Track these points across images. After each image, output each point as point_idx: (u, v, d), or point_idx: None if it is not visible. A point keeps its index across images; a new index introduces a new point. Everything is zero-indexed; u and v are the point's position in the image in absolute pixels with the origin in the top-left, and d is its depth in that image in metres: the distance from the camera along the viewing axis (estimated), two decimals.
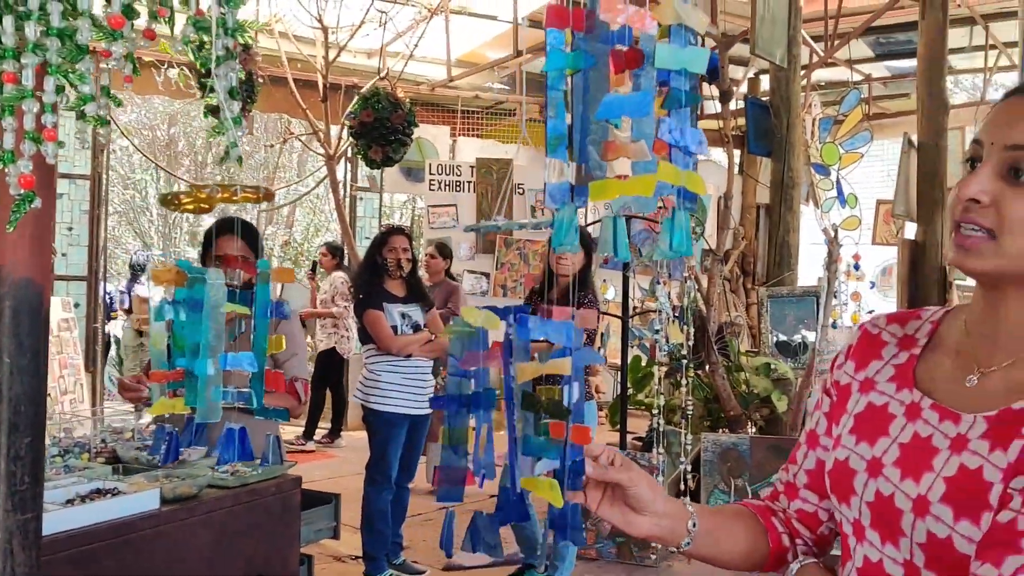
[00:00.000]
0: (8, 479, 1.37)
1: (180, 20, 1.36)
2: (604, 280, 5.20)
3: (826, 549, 1.26)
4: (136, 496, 2.08)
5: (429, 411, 4.71)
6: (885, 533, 1.07)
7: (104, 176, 8.07)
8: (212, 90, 1.40)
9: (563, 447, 1.40)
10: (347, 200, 9.25)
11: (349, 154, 8.85)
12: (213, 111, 3.48)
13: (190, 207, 2.10)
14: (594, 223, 6.34)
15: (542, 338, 1.41)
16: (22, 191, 1.24)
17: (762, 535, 1.25)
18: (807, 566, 1.20)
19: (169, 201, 1.97)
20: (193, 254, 16.08)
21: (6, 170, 1.24)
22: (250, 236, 2.93)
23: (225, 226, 2.95)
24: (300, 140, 10.20)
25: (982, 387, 1.07)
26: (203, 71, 4.18)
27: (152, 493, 2.11)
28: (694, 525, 1.20)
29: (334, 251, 8.32)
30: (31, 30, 1.22)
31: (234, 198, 1.75)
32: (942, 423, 1.06)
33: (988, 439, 1.01)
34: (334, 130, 7.94)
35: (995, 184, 1.01)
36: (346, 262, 8.44)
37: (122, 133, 9.15)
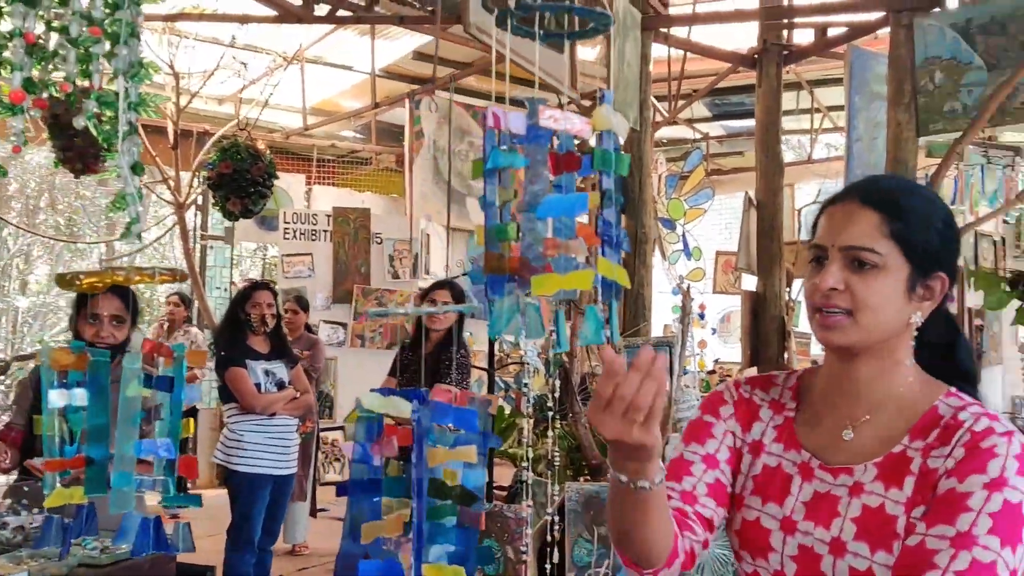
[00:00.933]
0: None
1: None
2: (470, 332, 5.26)
3: (704, 552, 1.38)
4: None
5: (294, 470, 4.61)
6: None
7: None
8: (108, 159, 1.36)
9: (467, 532, 1.44)
10: (196, 249, 8.96)
11: (199, 202, 8.59)
12: (73, 164, 3.32)
13: (85, 287, 2.02)
14: (462, 275, 6.40)
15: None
16: None
17: (672, 533, 1.31)
18: None
19: (68, 282, 1.89)
20: (25, 303, 15.05)
21: None
22: (125, 296, 2.81)
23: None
24: (147, 187, 9.84)
25: (860, 438, 1.30)
26: (56, 119, 3.99)
27: None
28: (663, 470, 1.23)
29: (186, 302, 7.97)
30: None
31: (151, 279, 1.70)
32: (837, 478, 1.28)
33: (882, 480, 1.24)
34: (184, 177, 7.69)
35: (844, 275, 1.26)
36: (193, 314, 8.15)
37: None
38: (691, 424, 1.44)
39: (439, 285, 4.53)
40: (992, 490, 1.15)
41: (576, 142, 1.16)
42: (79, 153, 4.74)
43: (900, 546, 1.19)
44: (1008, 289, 5.24)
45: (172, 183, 7.68)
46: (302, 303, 6.42)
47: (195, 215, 9.09)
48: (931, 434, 1.24)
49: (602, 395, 1.13)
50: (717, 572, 5.03)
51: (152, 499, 2.80)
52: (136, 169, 1.37)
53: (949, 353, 1.34)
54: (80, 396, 1.77)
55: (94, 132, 1.33)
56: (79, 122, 1.34)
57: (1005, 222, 9.06)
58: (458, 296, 4.45)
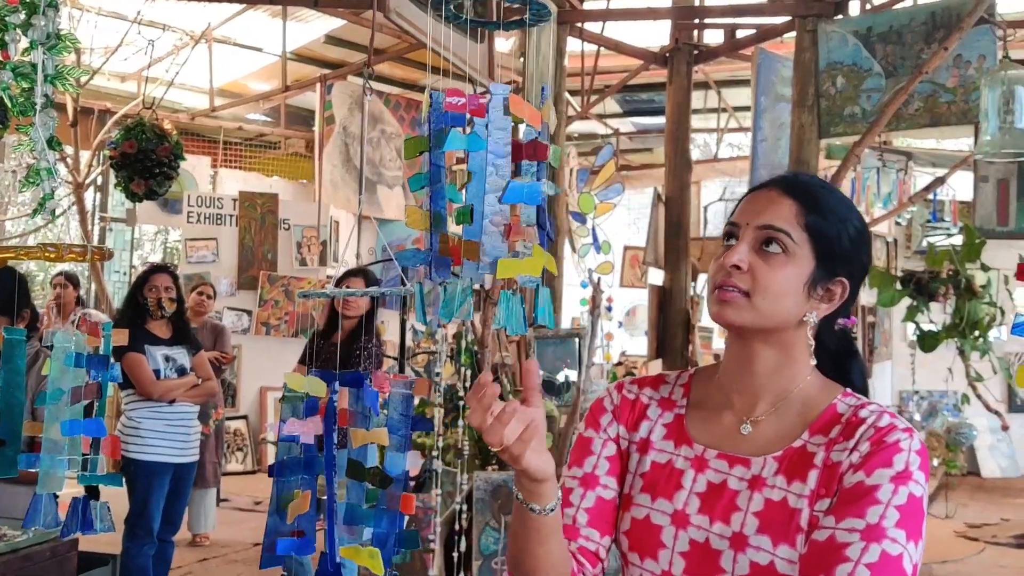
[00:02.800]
0: None
1: None
2: (382, 321, 5.23)
3: None
4: None
5: (195, 458, 4.51)
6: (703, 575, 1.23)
7: None
8: (27, 136, 1.31)
9: (386, 515, 1.45)
10: (95, 230, 8.65)
11: (99, 182, 8.29)
12: None
13: None
14: (375, 263, 6.35)
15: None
16: None
17: (569, 558, 1.29)
18: None
19: None
20: None
21: None
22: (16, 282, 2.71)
23: None
24: None
25: (758, 433, 1.28)
26: None
27: None
28: (559, 498, 1.21)
29: (74, 282, 7.50)
30: None
31: (64, 257, 1.63)
32: (733, 468, 1.26)
33: (784, 474, 1.23)
34: (84, 156, 7.41)
35: (751, 256, 1.26)
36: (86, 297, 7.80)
37: None
38: (575, 443, 1.39)
39: (353, 273, 4.48)
40: (898, 483, 1.17)
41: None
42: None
43: (804, 539, 1.18)
44: (900, 287, 5.51)
45: (71, 162, 7.39)
46: (212, 290, 6.30)
47: (95, 196, 8.76)
48: (832, 430, 1.25)
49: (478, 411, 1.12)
50: None
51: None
52: (52, 144, 1.32)
53: (843, 367, 1.35)
54: None
55: (8, 103, 1.28)
56: None
57: (897, 223, 9.49)
58: (372, 283, 4.42)
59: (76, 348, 1.69)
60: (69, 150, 7.35)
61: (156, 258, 13.19)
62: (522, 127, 1.19)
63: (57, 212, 1.43)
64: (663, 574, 1.25)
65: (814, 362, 1.31)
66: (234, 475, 8.16)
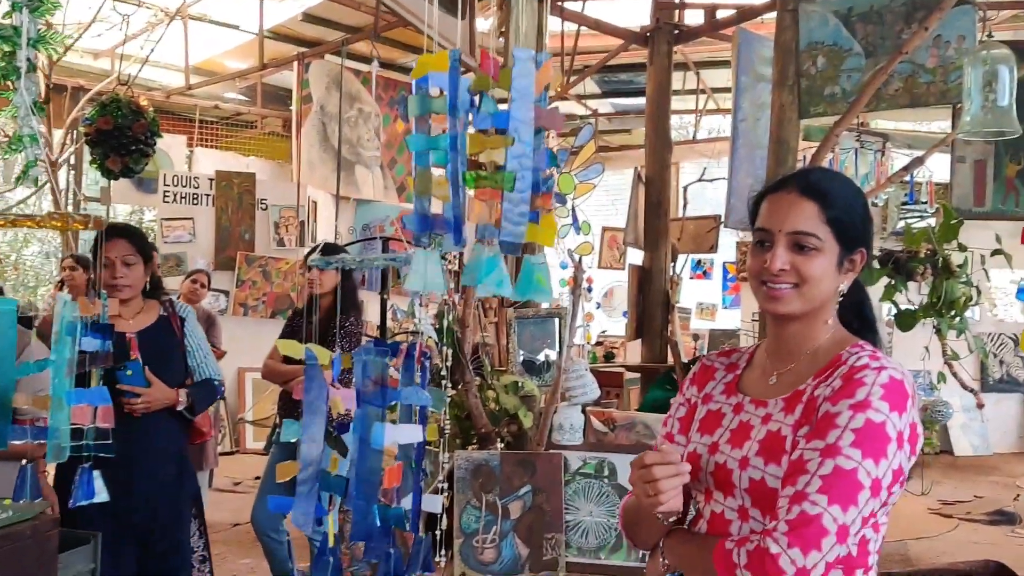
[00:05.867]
0: None
1: None
2: (363, 301, 5.19)
3: (680, 523, 1.66)
4: None
5: None
6: (724, 490, 1.54)
7: None
8: (6, 95, 1.28)
9: (362, 487, 1.44)
10: (69, 209, 8.52)
11: (72, 161, 8.18)
12: None
13: None
14: (354, 243, 6.31)
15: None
16: None
17: None
18: (673, 531, 1.60)
19: None
20: None
21: None
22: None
23: None
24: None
25: (780, 382, 1.59)
26: None
27: None
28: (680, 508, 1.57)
29: (84, 265, 7.04)
30: None
31: (70, 226, 1.60)
32: (757, 409, 1.58)
33: (784, 411, 1.52)
34: (57, 134, 7.30)
35: (789, 256, 1.52)
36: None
37: None
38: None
39: (325, 250, 4.43)
40: (856, 410, 1.41)
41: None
42: None
43: (787, 459, 1.45)
44: (878, 266, 5.53)
45: (44, 140, 7.28)
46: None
47: (68, 175, 8.64)
48: (826, 373, 1.51)
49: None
50: (600, 536, 5.17)
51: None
52: (36, 108, 1.29)
53: (859, 308, 1.63)
54: None
55: None
56: None
57: (874, 204, 9.54)
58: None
59: (75, 318, 1.68)
60: (42, 128, 7.24)
61: None
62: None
63: (25, 189, 1.40)
64: (705, 490, 1.58)
65: (831, 319, 1.57)
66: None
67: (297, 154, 8.55)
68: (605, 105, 11.55)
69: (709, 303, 12.38)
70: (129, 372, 2.84)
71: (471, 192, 1.24)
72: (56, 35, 1.39)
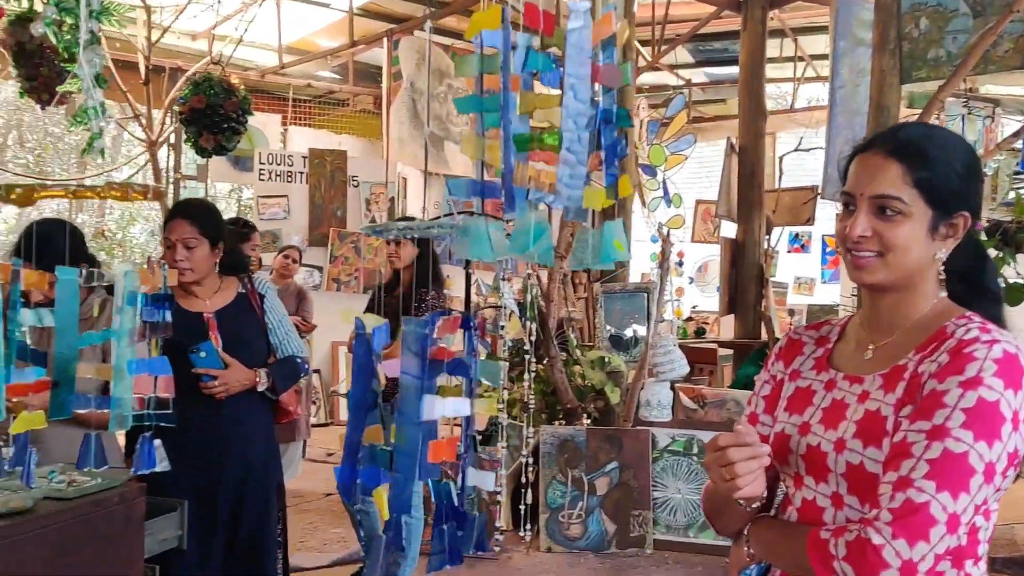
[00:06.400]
0: None
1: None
2: (447, 276, 5.21)
3: (767, 510, 1.56)
4: None
5: None
6: (817, 475, 1.43)
7: None
8: (75, 77, 1.29)
9: (404, 459, 1.41)
10: (169, 188, 8.80)
11: (172, 140, 8.42)
12: (39, 94, 3.18)
13: (13, 199, 1.95)
14: (441, 217, 6.32)
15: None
16: None
17: None
18: (759, 518, 1.50)
19: (20, 196, 1.82)
20: None
21: None
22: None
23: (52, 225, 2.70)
24: (118, 124, 9.62)
25: (876, 357, 1.46)
26: (20, 47, 3.85)
27: None
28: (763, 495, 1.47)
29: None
30: None
31: (127, 196, 1.63)
32: (852, 386, 1.46)
33: (883, 389, 1.40)
34: (157, 114, 7.52)
35: (871, 221, 1.41)
36: None
37: None
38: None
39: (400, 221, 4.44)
40: (967, 388, 1.28)
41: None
42: (45, 82, 4.61)
43: (888, 442, 1.34)
44: (985, 237, 5.26)
45: (144, 120, 7.51)
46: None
47: (168, 154, 8.91)
48: (930, 347, 1.39)
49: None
50: (688, 513, 5.08)
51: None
52: (99, 81, 1.29)
53: (976, 277, 1.49)
54: (48, 316, 1.73)
55: (53, 40, 1.26)
56: (37, 28, 1.26)
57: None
58: (420, 239, 4.34)
59: (136, 289, 1.71)
60: (142, 108, 7.47)
61: (231, 215, 13.38)
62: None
63: (128, 168, 1.43)
64: (795, 475, 1.47)
65: (943, 293, 1.46)
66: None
67: (387, 131, 8.61)
68: (699, 75, 11.27)
69: (807, 277, 12.03)
70: (203, 354, 2.77)
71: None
72: (119, 7, 1.40)
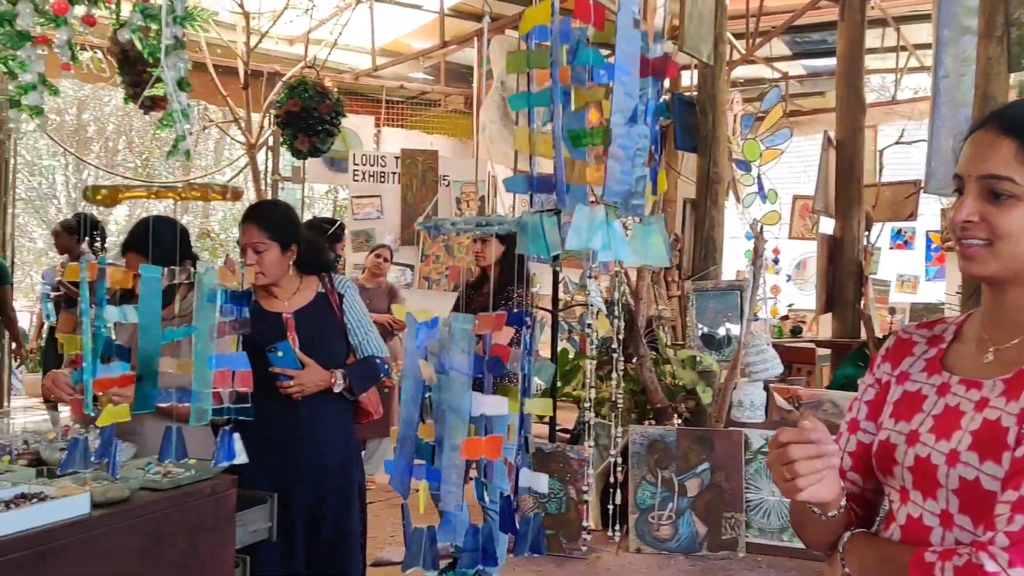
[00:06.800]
0: None
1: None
2: (534, 273, 5.20)
3: (869, 525, 1.43)
4: (65, 501, 1.99)
5: None
6: (925, 490, 1.28)
7: (11, 162, 7.72)
8: (159, 80, 1.34)
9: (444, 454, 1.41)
10: (268, 190, 9.06)
11: (270, 143, 8.67)
12: (142, 100, 3.33)
13: (99, 200, 2.04)
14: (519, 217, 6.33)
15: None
16: None
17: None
18: (856, 534, 1.36)
19: (91, 196, 1.90)
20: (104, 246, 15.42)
21: None
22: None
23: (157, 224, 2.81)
24: (219, 127, 9.97)
25: (998, 360, 1.31)
26: (124, 54, 4.02)
27: (82, 497, 2.02)
28: (843, 502, 1.32)
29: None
30: None
31: (202, 196, 1.69)
32: (968, 392, 1.30)
33: (1004, 396, 1.25)
34: (255, 118, 7.75)
35: (979, 205, 1.26)
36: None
37: (43, 131, 8.77)
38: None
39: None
40: None
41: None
42: (147, 88, 4.80)
43: (1009, 456, 1.19)
44: None
45: (243, 124, 7.74)
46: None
47: (267, 155, 9.17)
48: None
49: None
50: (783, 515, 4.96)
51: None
52: (182, 85, 1.33)
53: None
54: (132, 313, 1.80)
55: (139, 46, 1.30)
56: (123, 35, 1.31)
57: None
58: (506, 238, 4.31)
59: (215, 286, 1.77)
60: (241, 112, 7.71)
61: (327, 215, 13.68)
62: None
63: (230, 170, 1.48)
64: (901, 489, 1.33)
65: None
66: None
67: (477, 130, 8.66)
68: (796, 67, 10.98)
69: (910, 275, 11.60)
70: (280, 353, 2.78)
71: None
72: (202, 12, 1.45)
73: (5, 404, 6.94)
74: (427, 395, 1.42)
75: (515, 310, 4.19)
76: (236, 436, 2.11)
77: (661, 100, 1.01)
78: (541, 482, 1.53)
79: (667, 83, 9.38)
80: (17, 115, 1.25)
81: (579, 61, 1.09)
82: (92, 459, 2.01)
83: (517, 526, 1.52)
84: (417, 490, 1.52)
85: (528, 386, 1.47)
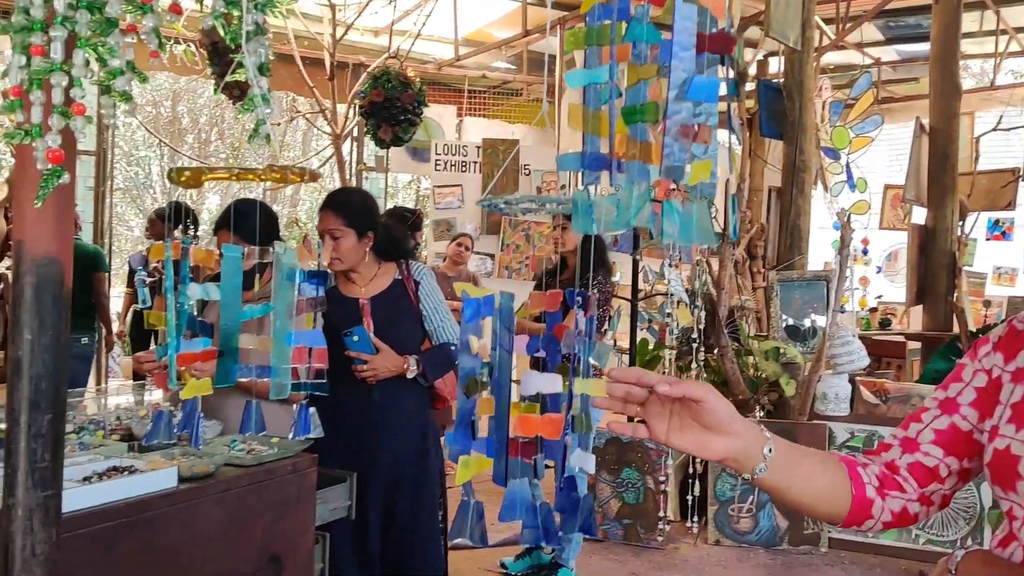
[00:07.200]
0: (28, 456, 1.36)
1: None
2: (614, 262, 5.18)
3: (928, 509, 1.28)
4: (154, 474, 2.07)
5: None
6: None
7: (109, 153, 8.02)
8: (240, 66, 1.37)
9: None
10: (353, 179, 9.21)
11: (355, 133, 8.81)
12: (231, 91, 3.44)
13: (182, 182, 2.11)
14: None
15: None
16: (50, 166, 1.22)
17: (843, 481, 1.24)
18: (973, 552, 1.21)
19: (174, 178, 1.98)
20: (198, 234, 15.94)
21: (33, 144, 1.22)
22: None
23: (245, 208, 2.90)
24: (306, 118, 10.17)
25: None
26: (215, 46, 4.16)
27: (170, 471, 2.10)
28: (770, 451, 1.16)
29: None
30: (59, 2, 1.20)
31: (281, 179, 1.75)
32: None
33: None
34: (341, 108, 7.89)
35: None
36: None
37: (133, 116, 9.11)
38: (953, 370, 1.34)
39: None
40: None
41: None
42: (239, 84, 4.93)
43: None
44: None
45: (329, 114, 7.89)
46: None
47: (352, 145, 9.32)
48: None
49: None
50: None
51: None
52: (262, 70, 1.37)
53: None
54: (214, 290, 1.88)
55: (221, 33, 1.34)
56: (207, 22, 1.35)
57: None
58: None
59: (293, 266, 1.83)
60: (327, 103, 7.85)
61: (409, 206, 13.84)
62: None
63: (317, 160, 1.53)
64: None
65: None
66: None
67: (559, 119, 8.64)
68: (888, 52, 10.64)
69: (1008, 267, 11.15)
70: (356, 338, 2.82)
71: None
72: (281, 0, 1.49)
73: (102, 385, 7.24)
74: (481, 371, 1.43)
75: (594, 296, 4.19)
76: (312, 411, 2.17)
77: (731, 78, 0.99)
78: (589, 463, 1.52)
79: (754, 69, 9.22)
80: (109, 102, 1.30)
81: (632, 37, 1.08)
82: (175, 431, 2.09)
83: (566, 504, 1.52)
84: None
85: (578, 366, 1.46)
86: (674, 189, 1.08)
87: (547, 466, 1.58)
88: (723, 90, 1.06)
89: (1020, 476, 1.15)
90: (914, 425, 1.30)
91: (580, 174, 1.11)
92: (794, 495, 1.21)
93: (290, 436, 2.19)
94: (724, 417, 1.12)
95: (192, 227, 5.46)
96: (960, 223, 6.58)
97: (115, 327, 7.27)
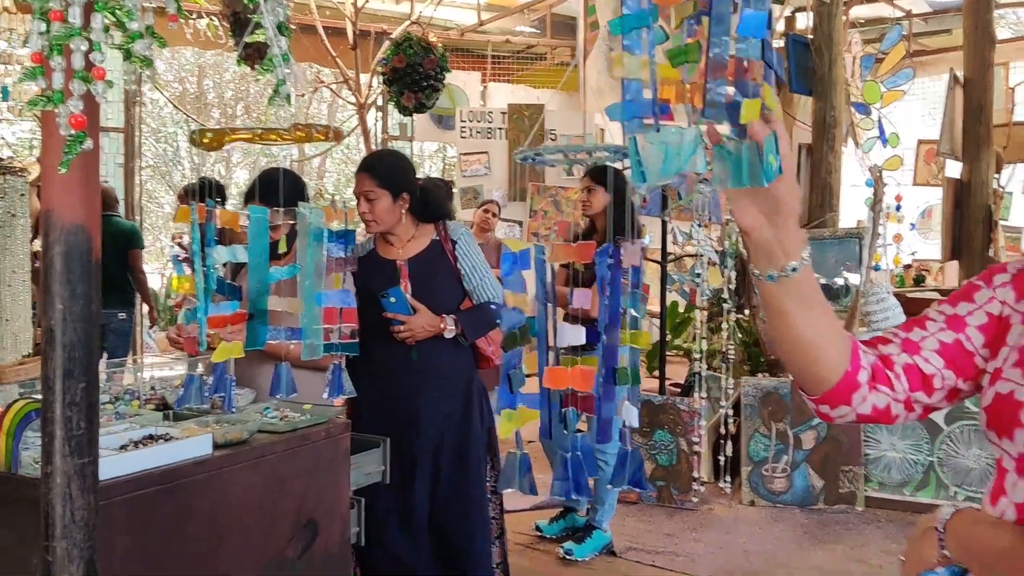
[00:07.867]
0: (64, 424, 1.37)
1: None
2: (643, 224, 5.12)
3: (908, 415, 1.22)
4: (189, 441, 2.09)
5: None
6: None
7: (137, 129, 8.06)
8: (258, 26, 1.36)
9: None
10: (378, 148, 9.21)
11: (379, 102, 8.78)
12: (251, 56, 3.44)
13: (205, 144, 2.11)
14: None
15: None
16: (73, 132, 1.21)
17: (845, 348, 1.17)
18: (961, 511, 1.14)
19: (196, 140, 1.97)
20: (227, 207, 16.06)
21: (56, 110, 1.22)
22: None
23: (273, 175, 2.91)
24: (330, 89, 10.15)
25: None
26: (236, 16, 4.16)
27: (204, 438, 2.12)
28: (809, 255, 1.09)
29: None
30: None
31: (305, 138, 1.74)
32: None
33: None
34: (364, 78, 7.86)
35: None
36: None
37: (154, 85, 9.14)
38: (960, 288, 1.26)
39: (589, 171, 4.37)
40: None
41: None
42: (258, 49, 4.93)
43: None
44: None
45: (352, 84, 7.87)
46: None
47: (376, 115, 9.30)
48: None
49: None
50: None
51: None
52: (281, 29, 1.35)
53: None
54: (241, 252, 1.88)
55: None
56: None
57: None
58: (597, 177, 4.25)
59: (320, 225, 1.83)
60: (350, 73, 7.83)
61: (436, 174, 13.83)
62: None
63: (297, 107, 1.53)
64: (1019, 456, 1.10)
65: None
66: None
67: (584, 82, 8.57)
68: (920, 4, 10.41)
69: None
70: (392, 299, 2.83)
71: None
72: None
73: (139, 359, 7.34)
74: (524, 325, 1.42)
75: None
76: (345, 372, 2.17)
77: (767, 15, 0.95)
78: (633, 416, 1.51)
79: (782, 25, 9.05)
80: (131, 68, 1.28)
81: None
82: (206, 395, 2.10)
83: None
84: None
85: (624, 318, 1.44)
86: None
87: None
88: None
89: (1020, 423, 1.10)
90: (918, 330, 1.22)
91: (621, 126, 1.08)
92: (802, 325, 1.12)
93: (324, 395, 2.20)
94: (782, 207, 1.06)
95: (221, 203, 5.49)
96: (996, 176, 6.45)
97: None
